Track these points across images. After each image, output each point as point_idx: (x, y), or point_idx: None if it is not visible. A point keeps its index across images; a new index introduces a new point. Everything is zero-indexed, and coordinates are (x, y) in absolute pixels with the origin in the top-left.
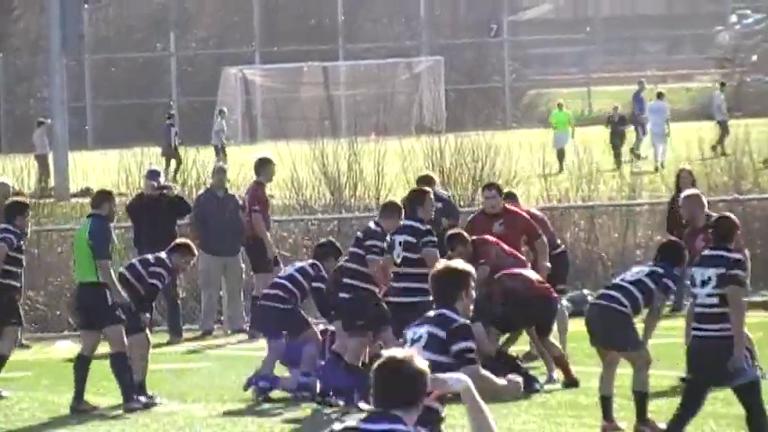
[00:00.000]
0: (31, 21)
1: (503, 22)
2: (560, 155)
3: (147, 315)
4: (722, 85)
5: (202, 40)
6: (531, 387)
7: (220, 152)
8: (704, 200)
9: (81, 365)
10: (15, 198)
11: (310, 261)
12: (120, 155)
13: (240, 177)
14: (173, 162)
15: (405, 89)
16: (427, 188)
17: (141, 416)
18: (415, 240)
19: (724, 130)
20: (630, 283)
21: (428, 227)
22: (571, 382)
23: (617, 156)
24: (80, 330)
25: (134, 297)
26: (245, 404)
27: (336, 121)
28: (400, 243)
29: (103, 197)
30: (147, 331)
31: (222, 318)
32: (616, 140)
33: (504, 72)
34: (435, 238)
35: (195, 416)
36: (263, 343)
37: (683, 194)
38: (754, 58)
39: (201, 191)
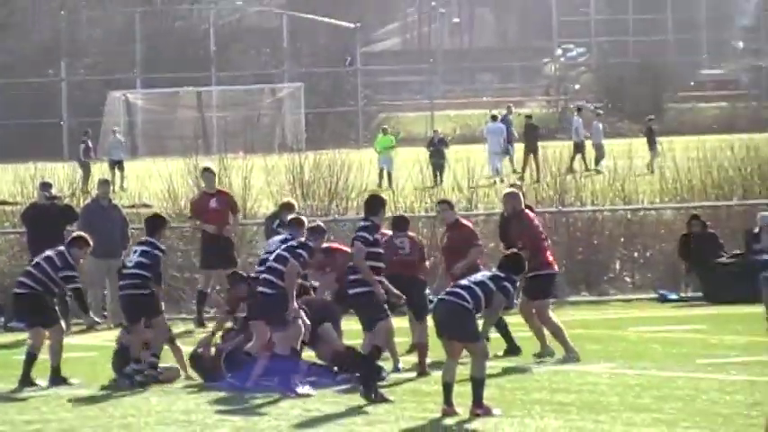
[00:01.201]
0: None
1: (356, 53)
2: (384, 174)
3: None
4: (578, 110)
5: (90, 67)
6: (378, 376)
7: (115, 166)
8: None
9: None
10: None
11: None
12: (15, 168)
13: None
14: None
15: (269, 112)
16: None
17: (33, 399)
18: None
19: (581, 149)
20: (475, 283)
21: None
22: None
23: (438, 174)
24: None
25: (47, 292)
26: (125, 388)
27: (209, 140)
28: None
29: None
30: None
31: (105, 313)
32: (437, 160)
33: (357, 97)
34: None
35: (81, 399)
36: None
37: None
38: (577, 86)
39: (88, 200)
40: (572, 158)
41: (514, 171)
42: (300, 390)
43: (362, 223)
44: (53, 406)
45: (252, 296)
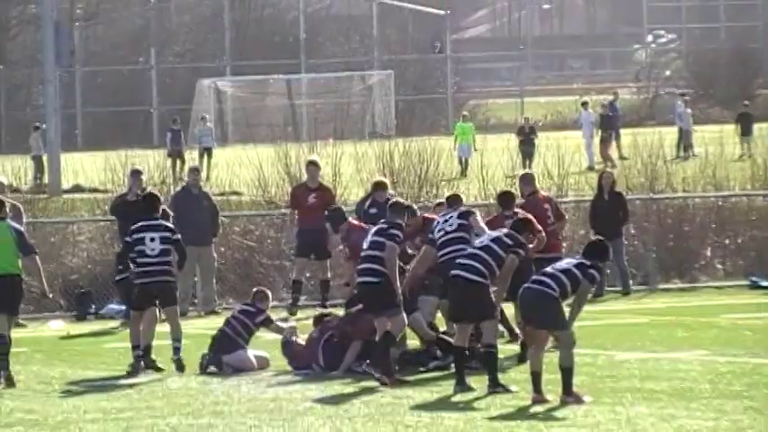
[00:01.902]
0: (28, 37)
1: (446, 40)
2: (463, 162)
3: None
4: (682, 95)
5: (180, 55)
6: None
7: (204, 153)
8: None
9: None
10: None
11: None
12: (106, 156)
13: (214, 177)
14: (178, 162)
15: (359, 99)
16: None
17: (125, 387)
18: None
19: (687, 136)
20: (560, 271)
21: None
22: None
23: (528, 161)
24: None
25: None
26: (216, 376)
27: (298, 127)
28: None
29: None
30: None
31: (196, 300)
32: (526, 147)
33: (446, 84)
34: None
35: (172, 387)
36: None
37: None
38: (668, 72)
39: (178, 188)
40: (678, 145)
41: (621, 157)
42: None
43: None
44: (144, 394)
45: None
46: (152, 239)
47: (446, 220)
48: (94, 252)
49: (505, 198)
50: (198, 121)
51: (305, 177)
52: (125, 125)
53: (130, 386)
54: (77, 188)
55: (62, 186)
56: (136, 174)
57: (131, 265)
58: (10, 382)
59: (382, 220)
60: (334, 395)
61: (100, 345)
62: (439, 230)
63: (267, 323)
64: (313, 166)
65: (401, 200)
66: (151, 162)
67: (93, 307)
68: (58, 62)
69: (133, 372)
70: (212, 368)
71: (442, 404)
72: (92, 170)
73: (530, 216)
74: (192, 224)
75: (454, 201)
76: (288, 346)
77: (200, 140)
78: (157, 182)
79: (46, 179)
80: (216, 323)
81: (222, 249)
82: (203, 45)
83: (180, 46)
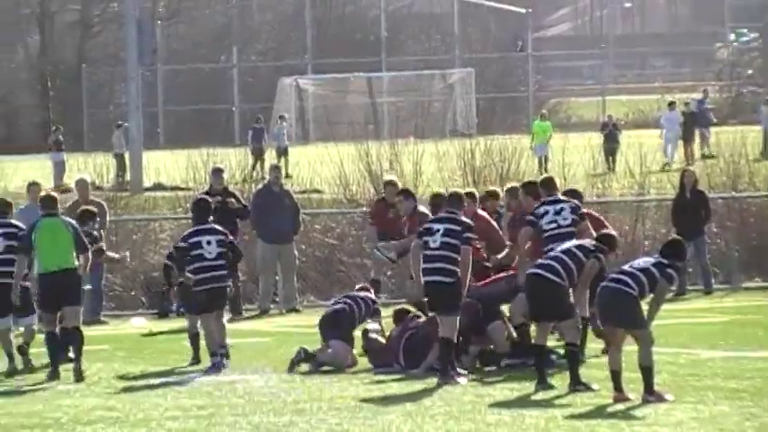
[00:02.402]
0: (110, 35)
1: (528, 38)
2: (542, 161)
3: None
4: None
5: (261, 53)
6: (549, 363)
7: (282, 152)
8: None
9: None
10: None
11: None
12: (188, 154)
13: (295, 175)
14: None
15: (440, 97)
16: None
17: (206, 385)
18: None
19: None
20: (639, 270)
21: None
22: None
23: (611, 159)
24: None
25: None
26: (297, 374)
27: (379, 126)
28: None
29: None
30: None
31: (277, 298)
32: (610, 145)
33: (528, 83)
34: None
35: (254, 385)
36: (313, 320)
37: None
38: (750, 71)
39: (260, 186)
40: (764, 148)
41: (707, 156)
42: (460, 379)
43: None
44: (225, 391)
45: None
46: (209, 243)
47: (558, 212)
48: None
49: (548, 184)
50: (277, 119)
51: (386, 175)
52: (207, 123)
53: (211, 384)
54: (159, 186)
55: (144, 184)
56: (217, 172)
57: (176, 270)
58: (79, 376)
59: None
60: (415, 393)
61: (181, 342)
62: (550, 222)
63: (378, 315)
64: (391, 186)
65: (459, 191)
66: (233, 160)
67: (175, 304)
68: (141, 60)
69: (213, 369)
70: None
71: (523, 402)
72: (173, 168)
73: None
74: (273, 222)
75: (551, 186)
76: (369, 343)
77: (277, 139)
78: (239, 180)
79: (128, 177)
80: (297, 321)
81: (303, 247)
82: (285, 43)
83: (262, 44)
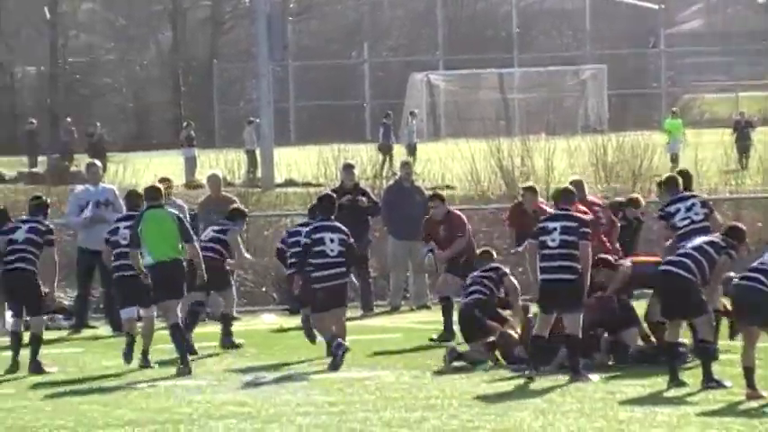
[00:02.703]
0: (242, 31)
1: (660, 34)
2: (674, 158)
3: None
4: None
5: (392, 49)
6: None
7: (412, 149)
8: None
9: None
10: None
11: None
12: (319, 150)
13: (426, 171)
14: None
15: (572, 93)
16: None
17: (336, 381)
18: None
19: None
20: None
21: None
22: None
23: (744, 157)
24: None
25: None
26: (428, 370)
27: (510, 122)
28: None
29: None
30: None
31: (408, 295)
32: (743, 143)
33: (660, 79)
34: None
35: (385, 381)
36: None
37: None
38: None
39: (391, 182)
40: None
41: None
42: (592, 375)
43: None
44: (356, 388)
45: None
46: (332, 240)
47: (690, 208)
48: None
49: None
50: (408, 115)
51: (517, 172)
52: (337, 119)
53: (343, 380)
54: (290, 182)
55: (275, 180)
56: (348, 168)
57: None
58: (185, 368)
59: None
60: (546, 389)
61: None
62: (683, 219)
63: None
64: (530, 193)
65: (569, 186)
66: (363, 156)
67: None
68: (272, 57)
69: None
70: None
71: (655, 399)
72: (305, 164)
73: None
74: (403, 218)
75: (676, 183)
76: (502, 338)
77: (407, 135)
78: (369, 176)
79: (259, 173)
80: (427, 317)
81: (434, 243)
82: (416, 39)
83: (393, 40)
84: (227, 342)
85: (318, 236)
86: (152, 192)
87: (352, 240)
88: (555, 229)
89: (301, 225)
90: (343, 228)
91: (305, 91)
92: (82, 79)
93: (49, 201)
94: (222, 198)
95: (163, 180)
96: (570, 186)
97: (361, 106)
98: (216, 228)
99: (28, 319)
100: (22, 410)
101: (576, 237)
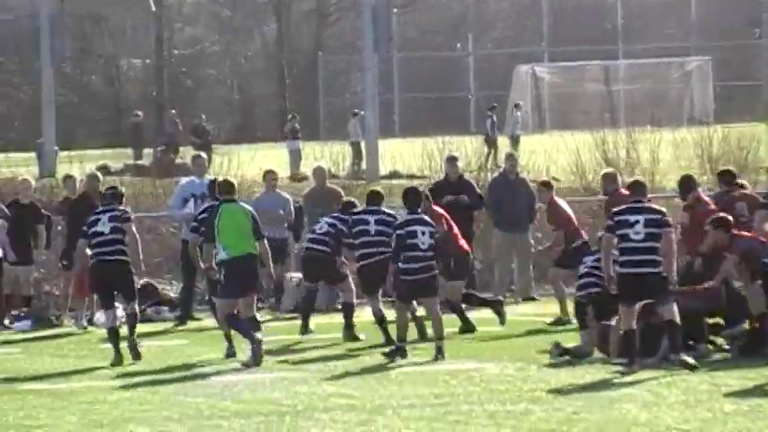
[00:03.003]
0: (346, 24)
1: (765, 25)
2: None
3: None
4: None
5: (497, 41)
6: None
7: (517, 141)
8: None
9: None
10: None
11: None
12: (423, 142)
13: (531, 163)
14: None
15: (677, 85)
16: None
17: (441, 373)
18: None
19: None
20: None
21: None
22: None
23: None
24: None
25: None
26: (533, 362)
27: (615, 114)
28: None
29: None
30: None
31: (513, 287)
32: None
33: (766, 70)
34: None
35: (489, 373)
36: (547, 309)
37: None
38: None
39: (495, 174)
40: None
41: None
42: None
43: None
44: (461, 379)
45: None
46: (423, 233)
47: None
48: None
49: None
50: (512, 107)
51: (622, 163)
52: (442, 111)
53: (447, 372)
54: (395, 174)
55: (380, 172)
56: (452, 160)
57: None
58: (257, 357)
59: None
60: (650, 382)
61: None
62: None
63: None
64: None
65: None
66: (468, 148)
67: None
68: (377, 49)
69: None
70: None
71: (760, 392)
72: (409, 156)
73: None
74: (508, 210)
75: None
76: (606, 329)
77: (512, 127)
78: (474, 168)
79: (364, 165)
80: (532, 310)
81: (539, 235)
82: (521, 31)
83: (498, 32)
84: (349, 335)
85: (411, 229)
86: (227, 186)
87: (440, 233)
88: (638, 222)
89: (364, 212)
90: (431, 221)
91: (410, 83)
92: (187, 71)
93: (123, 190)
94: (327, 190)
95: (268, 172)
96: (642, 179)
97: (465, 98)
98: (329, 220)
99: (121, 309)
100: (126, 402)
101: (660, 227)
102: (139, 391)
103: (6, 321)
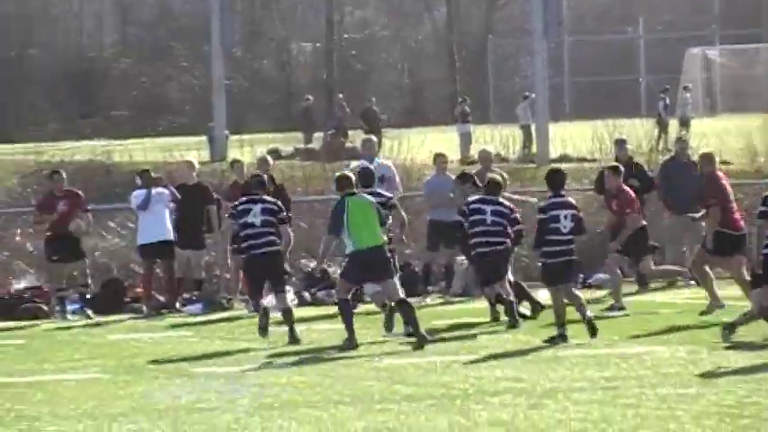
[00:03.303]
0: (516, 8)
1: None
2: None
3: None
4: None
5: (668, 24)
6: None
7: (686, 123)
8: None
9: None
10: None
11: None
12: (594, 125)
13: (701, 146)
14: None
15: None
16: None
17: (612, 357)
18: None
19: None
20: None
21: None
22: None
23: None
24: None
25: None
26: (704, 345)
27: None
28: None
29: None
30: None
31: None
32: None
33: None
34: None
35: (660, 357)
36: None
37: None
38: None
39: (666, 157)
40: None
41: None
42: None
43: None
44: (632, 363)
45: None
46: (565, 217)
47: None
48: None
49: None
50: (681, 90)
51: None
52: (612, 94)
53: (618, 356)
54: (565, 157)
55: (550, 156)
56: (621, 143)
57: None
58: (422, 342)
59: None
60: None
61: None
62: None
63: None
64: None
65: None
66: (639, 131)
67: (582, 276)
68: (547, 33)
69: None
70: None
71: None
72: (579, 139)
73: None
74: (680, 193)
75: None
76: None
77: (682, 110)
78: (645, 151)
79: (534, 149)
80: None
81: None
82: (692, 15)
83: (668, 15)
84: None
85: (554, 213)
86: (344, 180)
87: (581, 215)
88: None
89: (481, 201)
90: (574, 203)
91: (579, 66)
92: (357, 55)
93: (265, 178)
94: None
95: (439, 155)
96: None
97: (635, 81)
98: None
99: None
100: (299, 385)
101: None
102: (310, 375)
103: (178, 305)
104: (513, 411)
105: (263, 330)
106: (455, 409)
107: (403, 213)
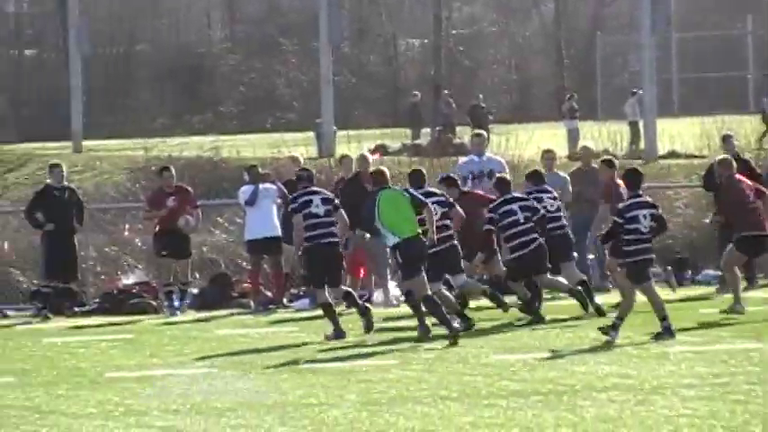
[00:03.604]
0: (623, 4)
1: None
2: None
3: None
4: None
5: None
6: None
7: None
8: None
9: None
10: None
11: None
12: (702, 121)
13: None
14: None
15: None
16: None
17: (720, 353)
18: None
19: None
20: None
21: None
22: None
23: None
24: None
25: None
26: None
27: None
28: None
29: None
30: None
31: None
32: None
33: None
34: None
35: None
36: None
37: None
38: None
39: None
40: None
41: None
42: None
43: None
44: (740, 359)
45: None
46: (644, 217)
47: None
48: (690, 218)
49: None
50: None
51: None
52: (721, 91)
53: (726, 352)
54: (673, 154)
55: (658, 152)
56: (728, 138)
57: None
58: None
59: None
60: None
61: (695, 310)
62: None
63: None
64: None
65: None
66: (747, 128)
67: (690, 273)
68: (655, 29)
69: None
70: None
71: None
72: (687, 135)
73: None
74: None
75: None
76: None
77: None
78: (753, 147)
79: (641, 145)
80: None
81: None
82: None
83: None
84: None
85: (632, 215)
86: (378, 175)
87: (661, 213)
88: None
89: (512, 200)
90: (653, 202)
91: (688, 62)
92: (465, 51)
93: (313, 172)
94: (591, 170)
95: (546, 151)
96: None
97: (744, 78)
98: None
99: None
100: (406, 380)
101: None
102: (417, 371)
103: (285, 300)
104: (621, 407)
105: (368, 325)
106: (562, 405)
107: (461, 211)
